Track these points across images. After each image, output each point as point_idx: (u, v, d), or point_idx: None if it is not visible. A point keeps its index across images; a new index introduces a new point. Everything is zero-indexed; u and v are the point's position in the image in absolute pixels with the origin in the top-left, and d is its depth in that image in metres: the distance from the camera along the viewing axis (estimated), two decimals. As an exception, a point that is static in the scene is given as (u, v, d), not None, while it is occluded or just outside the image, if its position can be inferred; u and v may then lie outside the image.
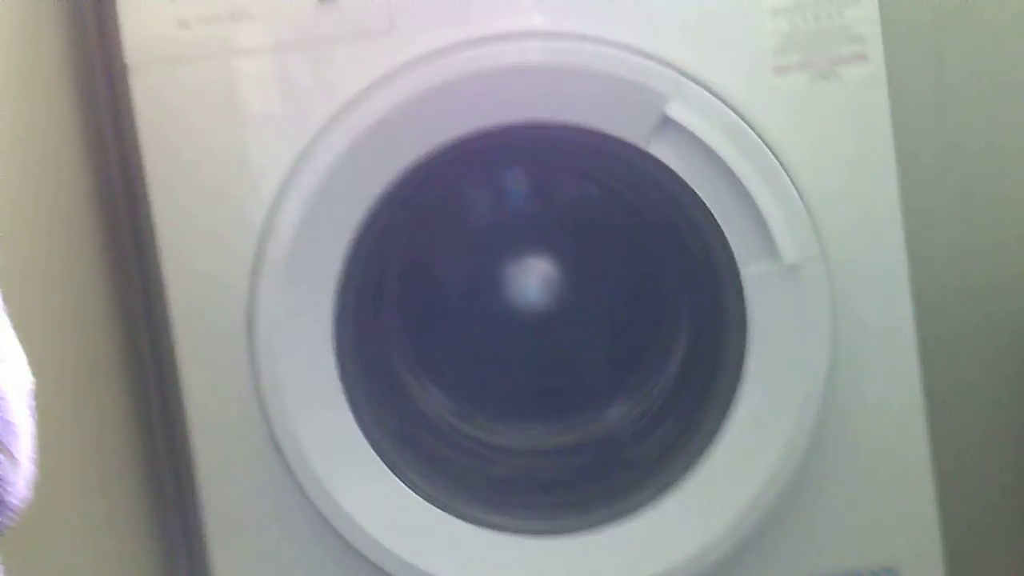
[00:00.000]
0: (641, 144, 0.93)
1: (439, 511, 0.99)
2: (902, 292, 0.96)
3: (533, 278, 1.12)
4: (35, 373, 0.56)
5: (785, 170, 0.93)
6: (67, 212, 0.97)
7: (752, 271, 0.94)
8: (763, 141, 0.93)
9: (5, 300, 0.56)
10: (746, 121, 0.93)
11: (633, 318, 1.13)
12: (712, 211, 0.94)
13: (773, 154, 0.93)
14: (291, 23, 0.93)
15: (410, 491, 0.99)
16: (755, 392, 0.96)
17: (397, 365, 1.11)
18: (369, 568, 0.98)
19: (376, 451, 0.98)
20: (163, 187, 0.96)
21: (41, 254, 0.89)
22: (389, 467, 0.98)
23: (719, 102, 0.93)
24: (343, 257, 0.95)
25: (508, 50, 0.93)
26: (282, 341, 0.95)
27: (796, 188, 0.93)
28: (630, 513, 0.98)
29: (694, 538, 0.97)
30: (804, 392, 0.95)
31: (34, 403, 0.55)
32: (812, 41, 0.93)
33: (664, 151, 0.93)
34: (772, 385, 0.95)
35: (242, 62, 0.94)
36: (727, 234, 0.94)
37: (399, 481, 0.98)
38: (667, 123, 0.92)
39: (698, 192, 0.94)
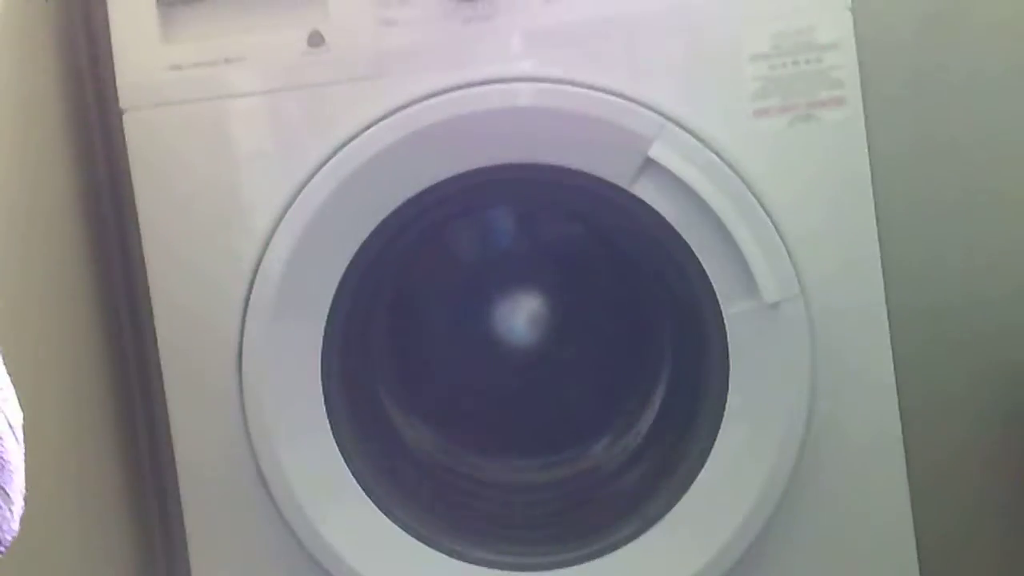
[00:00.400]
0: (625, 185, 0.95)
1: (423, 545, 1.00)
2: (880, 328, 0.98)
3: (519, 314, 1.14)
4: (26, 407, 0.58)
5: (765, 210, 0.95)
6: (58, 248, 0.98)
7: (734, 309, 0.96)
8: (744, 182, 0.95)
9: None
10: (727, 163, 0.95)
11: (617, 354, 1.15)
12: (694, 250, 0.96)
13: (753, 195, 0.95)
14: (282, 67, 0.95)
15: (394, 525, 1.00)
16: (737, 428, 0.98)
17: (384, 399, 1.12)
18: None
19: (361, 485, 0.99)
20: (154, 225, 0.97)
21: (33, 291, 0.90)
22: (374, 501, 1.00)
23: (700, 144, 0.95)
24: (332, 294, 0.97)
25: (497, 92, 0.95)
26: (270, 376, 0.96)
27: (776, 228, 0.95)
28: (613, 548, 0.99)
29: (675, 573, 0.98)
30: (784, 429, 0.96)
31: (23, 437, 0.57)
32: (791, 85, 0.95)
33: (647, 192, 0.95)
34: (753, 421, 0.97)
35: (234, 104, 0.96)
36: (709, 273, 0.96)
37: (383, 515, 1.00)
38: (650, 164, 0.94)
39: (680, 232, 0.96)
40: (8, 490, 0.52)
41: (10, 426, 0.54)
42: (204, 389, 0.98)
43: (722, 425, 0.97)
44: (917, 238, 1.05)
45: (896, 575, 1.01)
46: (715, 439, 0.98)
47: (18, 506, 0.53)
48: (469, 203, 1.08)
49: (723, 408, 0.98)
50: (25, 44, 0.96)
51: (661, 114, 0.94)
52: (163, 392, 0.99)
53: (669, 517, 0.99)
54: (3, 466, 0.52)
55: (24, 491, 0.55)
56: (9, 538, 0.52)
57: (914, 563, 1.01)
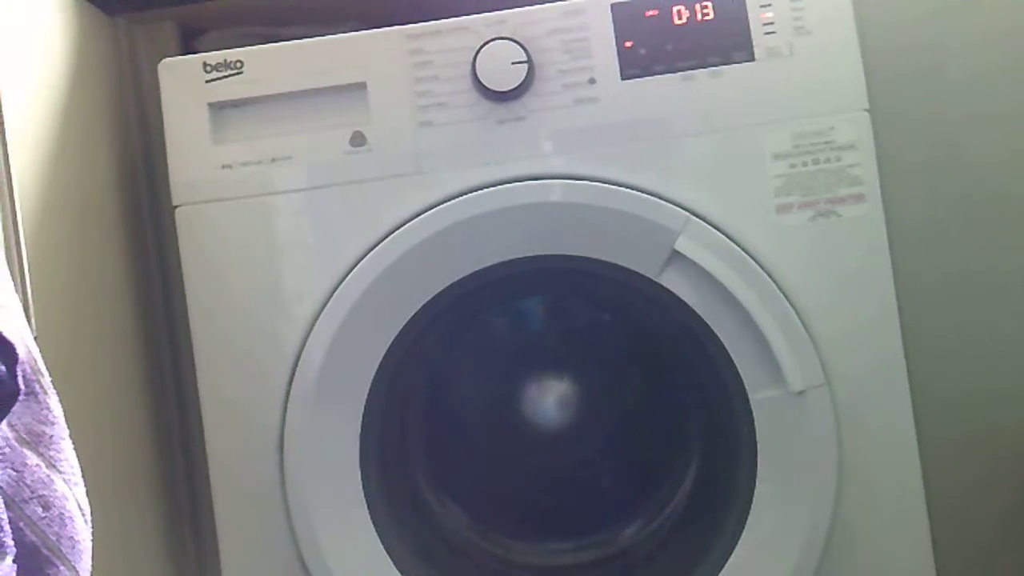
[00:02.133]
0: (652, 275, 0.99)
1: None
2: (905, 415, 1.00)
3: (551, 400, 1.17)
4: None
5: (789, 301, 0.98)
6: (112, 336, 1.03)
7: (760, 396, 0.99)
8: (767, 274, 0.98)
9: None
10: (751, 255, 0.99)
11: (647, 439, 1.17)
12: (721, 338, 0.99)
13: (777, 286, 0.98)
14: (326, 165, 1.00)
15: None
16: (766, 515, 0.99)
17: (419, 483, 1.15)
18: None
19: (396, 566, 1.01)
20: (203, 313, 1.01)
21: (88, 378, 0.95)
22: (409, 582, 1.02)
23: (725, 238, 0.98)
24: (370, 380, 1.00)
25: (530, 189, 0.99)
26: (310, 460, 1.00)
27: (800, 318, 0.98)
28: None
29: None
30: (812, 517, 0.98)
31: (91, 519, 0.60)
32: (811, 183, 0.99)
33: (674, 282, 0.99)
34: (781, 509, 0.99)
35: (280, 200, 1.01)
36: (736, 360, 0.99)
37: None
38: (677, 256, 0.98)
39: (707, 321, 0.99)
40: (79, 568, 0.56)
41: (80, 509, 0.58)
42: (247, 474, 1.01)
43: (751, 511, 0.99)
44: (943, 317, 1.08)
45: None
46: (744, 525, 0.99)
47: None
48: (502, 293, 1.12)
49: (752, 494, 0.99)
50: (86, 143, 1.02)
51: (687, 209, 0.99)
52: (208, 480, 1.02)
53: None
54: (74, 546, 0.56)
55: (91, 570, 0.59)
56: None
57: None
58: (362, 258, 1.00)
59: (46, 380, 0.59)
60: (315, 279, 1.00)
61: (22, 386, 0.55)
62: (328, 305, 0.99)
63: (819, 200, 1.00)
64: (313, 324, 1.00)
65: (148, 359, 1.10)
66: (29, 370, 0.57)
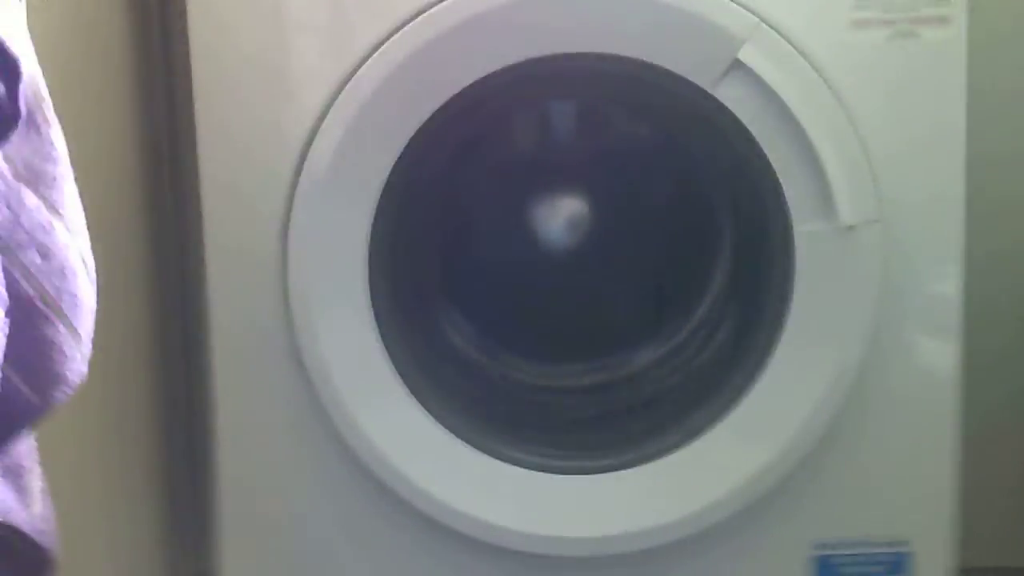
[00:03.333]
0: (707, 87, 0.90)
1: (455, 438, 0.98)
2: (954, 266, 0.95)
3: (571, 215, 1.10)
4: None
5: (853, 127, 0.91)
6: (106, 115, 0.93)
7: (806, 229, 0.92)
8: (834, 95, 0.90)
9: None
10: (819, 73, 0.90)
11: (671, 264, 1.11)
12: (771, 162, 0.91)
13: (844, 111, 0.90)
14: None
15: (428, 415, 0.97)
16: (793, 349, 0.94)
17: (427, 291, 1.09)
18: (381, 490, 0.97)
19: (399, 373, 0.96)
20: (208, 99, 0.92)
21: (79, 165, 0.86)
22: (410, 390, 0.97)
23: (794, 50, 0.90)
24: (382, 183, 0.92)
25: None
26: (314, 259, 0.93)
27: (863, 147, 0.91)
28: (652, 457, 0.97)
29: (709, 490, 0.96)
30: (841, 356, 0.94)
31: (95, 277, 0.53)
32: (895, -3, 0.90)
33: (730, 96, 0.90)
34: (811, 345, 0.94)
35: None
36: (784, 187, 0.92)
37: (419, 405, 0.97)
38: (738, 67, 0.89)
39: (760, 141, 0.91)
40: (80, 331, 0.49)
41: (84, 262, 0.50)
42: (246, 263, 0.94)
43: (779, 345, 0.95)
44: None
45: (933, 518, 0.99)
46: (769, 357, 0.95)
47: (87, 348, 0.50)
48: (533, 94, 1.03)
49: (781, 326, 0.94)
50: None
51: (756, 14, 0.89)
52: (204, 265, 0.95)
53: (711, 432, 0.97)
54: (75, 304, 0.49)
55: (93, 334, 0.52)
56: (77, 380, 0.49)
57: (952, 510, 0.99)
58: (376, 48, 0.89)
59: (49, 109, 0.50)
60: (327, 68, 0.90)
61: (23, 109, 0.46)
62: (338, 99, 0.90)
63: (900, 18, 0.90)
64: (322, 119, 0.91)
65: (145, 145, 1.02)
66: (31, 95, 0.48)
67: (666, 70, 0.91)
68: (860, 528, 1.00)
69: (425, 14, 0.89)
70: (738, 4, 0.89)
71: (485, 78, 0.90)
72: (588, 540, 0.97)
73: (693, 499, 0.96)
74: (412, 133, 0.91)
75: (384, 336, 0.96)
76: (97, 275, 0.52)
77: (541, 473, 0.98)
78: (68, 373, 0.49)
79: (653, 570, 0.99)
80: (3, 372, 0.46)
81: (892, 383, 0.96)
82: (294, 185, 0.92)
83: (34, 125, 0.48)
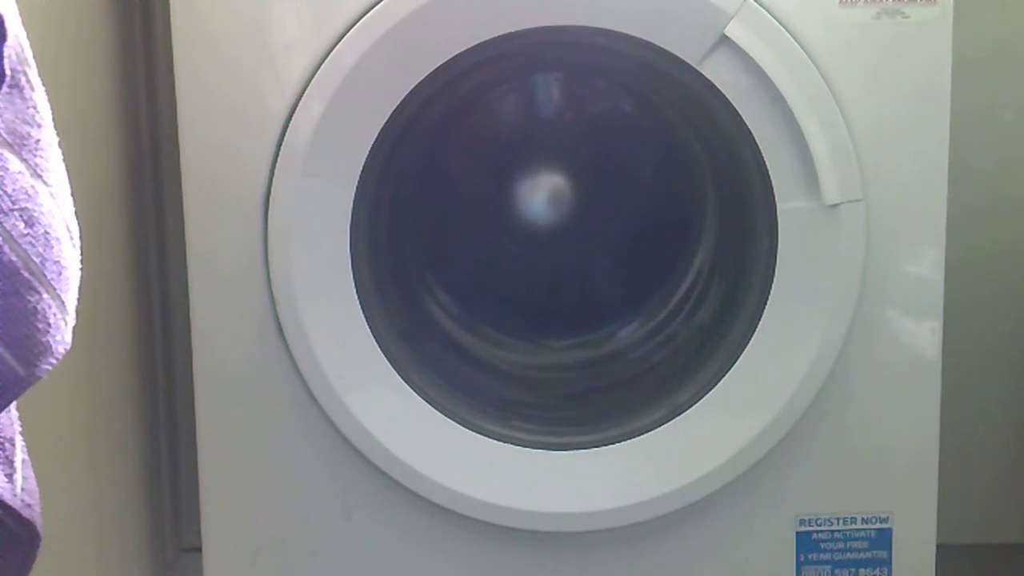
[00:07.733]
0: (693, 62, 0.90)
1: (438, 412, 0.97)
2: (937, 245, 0.95)
3: (555, 191, 1.10)
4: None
5: (839, 107, 0.90)
6: (88, 77, 0.92)
7: (790, 207, 0.92)
8: (821, 74, 0.90)
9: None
10: (806, 51, 0.90)
11: (656, 240, 1.11)
12: (756, 139, 0.91)
13: (829, 89, 0.90)
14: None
15: (411, 389, 0.96)
16: (774, 326, 0.94)
17: (410, 267, 1.08)
18: (365, 466, 0.96)
19: (381, 346, 0.96)
20: (189, 70, 0.91)
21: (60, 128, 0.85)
22: (392, 364, 0.96)
23: (781, 28, 0.89)
24: (364, 155, 0.91)
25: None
26: (297, 233, 0.91)
27: (847, 126, 0.91)
28: (634, 434, 0.97)
29: (694, 466, 0.96)
30: (824, 333, 0.94)
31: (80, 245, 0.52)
32: (884, -25, 0.90)
33: (716, 72, 0.90)
34: (794, 321, 0.94)
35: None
36: (769, 165, 0.91)
37: (401, 379, 0.96)
38: (725, 43, 0.89)
39: (745, 118, 0.91)
40: (64, 300, 0.48)
41: (68, 231, 0.49)
42: (228, 241, 0.93)
43: (762, 321, 0.94)
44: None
45: (914, 494, 1.00)
46: (753, 334, 0.95)
47: (71, 317, 0.49)
48: (517, 68, 1.03)
49: (764, 303, 0.94)
50: None
51: (744, -11, 0.88)
52: (184, 235, 0.94)
53: (694, 410, 0.97)
54: (60, 272, 0.48)
55: (76, 302, 0.51)
56: (62, 351, 0.48)
57: (934, 485, 1.00)
58: (363, 15, 0.88)
59: (33, 73, 0.49)
60: (310, 39, 0.89)
61: (7, 71, 0.45)
62: (321, 68, 0.89)
63: (887, -4, 0.90)
64: (304, 89, 0.89)
65: (126, 110, 1.00)
66: (15, 57, 0.47)
67: (652, 44, 0.90)
68: (842, 503, 1.00)
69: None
70: (727, -21, 0.88)
71: (469, 50, 0.89)
72: (574, 515, 0.96)
73: (678, 475, 0.96)
74: (395, 106, 0.90)
75: (367, 312, 0.95)
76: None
77: (526, 449, 0.98)
78: (53, 343, 0.48)
79: (638, 546, 0.99)
80: (-12, 341, 0.45)
81: (875, 360, 0.97)
82: (275, 157, 0.91)
83: (18, 87, 0.47)
